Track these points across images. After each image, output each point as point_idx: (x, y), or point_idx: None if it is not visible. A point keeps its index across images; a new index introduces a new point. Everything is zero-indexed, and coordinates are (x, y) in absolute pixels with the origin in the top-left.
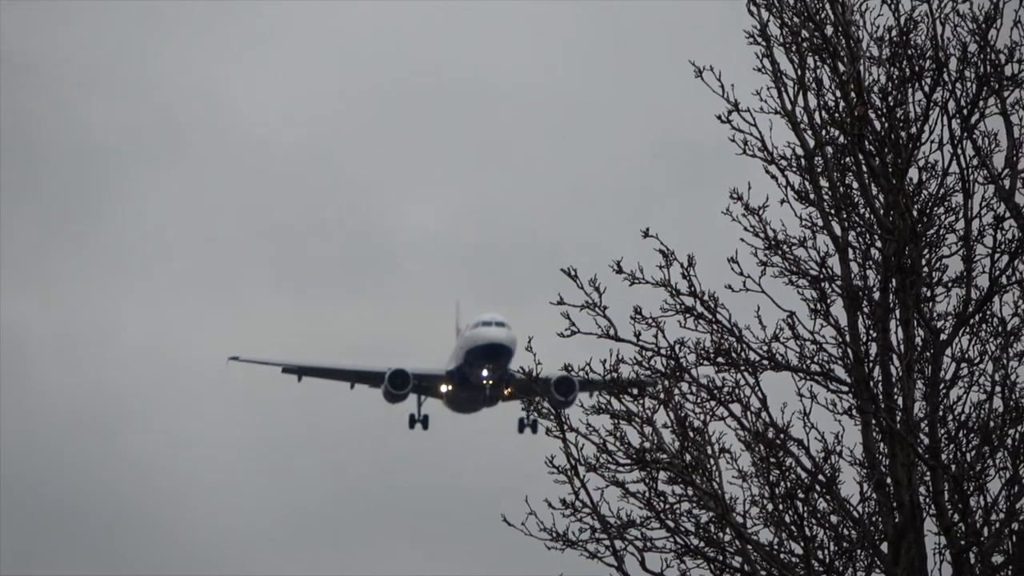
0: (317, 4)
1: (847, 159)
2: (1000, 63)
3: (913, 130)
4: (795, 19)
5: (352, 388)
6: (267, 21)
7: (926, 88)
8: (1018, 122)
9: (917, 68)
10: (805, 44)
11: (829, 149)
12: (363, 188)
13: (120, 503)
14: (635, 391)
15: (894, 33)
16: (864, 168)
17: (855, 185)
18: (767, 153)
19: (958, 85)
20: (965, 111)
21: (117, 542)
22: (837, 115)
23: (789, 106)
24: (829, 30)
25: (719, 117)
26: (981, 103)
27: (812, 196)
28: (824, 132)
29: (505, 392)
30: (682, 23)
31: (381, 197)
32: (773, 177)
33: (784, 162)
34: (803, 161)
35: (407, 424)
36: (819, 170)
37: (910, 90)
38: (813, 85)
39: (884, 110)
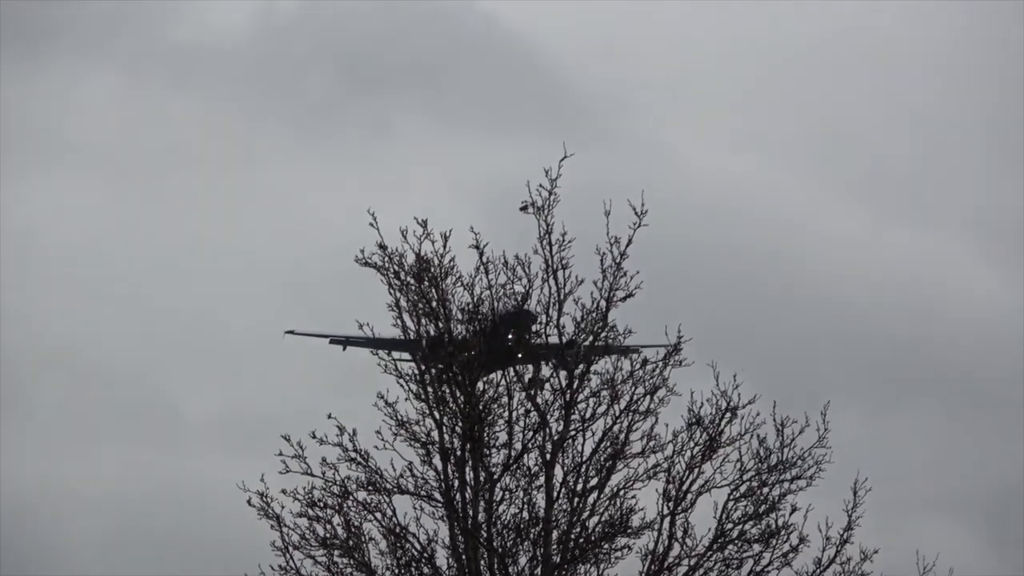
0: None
1: (444, 376)
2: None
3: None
4: (415, 296)
5: (389, 354)
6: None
7: (487, 336)
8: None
9: (482, 328)
10: (421, 310)
11: (434, 371)
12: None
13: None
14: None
15: (469, 305)
16: (453, 382)
17: (448, 391)
18: (398, 372)
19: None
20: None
21: None
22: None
23: None
24: (434, 303)
25: (373, 352)
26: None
27: (423, 397)
28: (432, 360)
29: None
30: (348, 291)
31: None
32: (401, 386)
33: (407, 377)
34: (418, 377)
35: None
36: (427, 382)
37: (482, 339)
38: (429, 335)
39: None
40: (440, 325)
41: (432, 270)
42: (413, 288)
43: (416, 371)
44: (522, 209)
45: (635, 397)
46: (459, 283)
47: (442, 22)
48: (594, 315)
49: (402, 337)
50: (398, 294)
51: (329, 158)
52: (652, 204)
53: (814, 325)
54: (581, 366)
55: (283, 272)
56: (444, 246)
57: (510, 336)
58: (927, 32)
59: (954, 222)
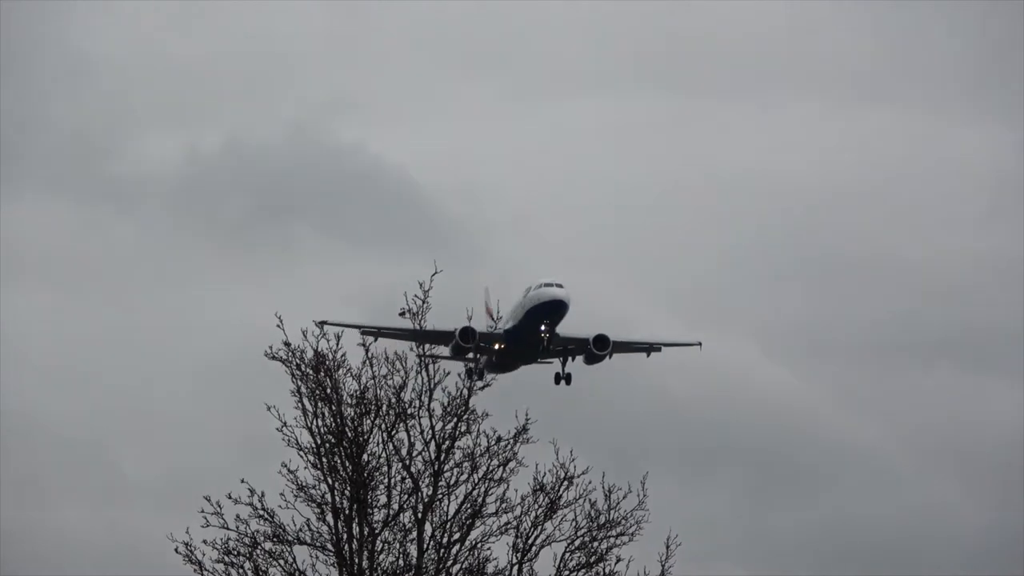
0: None
1: (336, 449)
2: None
3: (362, 440)
4: (313, 384)
5: (419, 346)
6: None
7: (372, 418)
8: (391, 442)
9: (372, 408)
10: (318, 395)
11: (327, 445)
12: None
13: None
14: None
15: (356, 392)
16: (343, 454)
17: (338, 461)
18: (297, 445)
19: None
20: (390, 432)
21: None
22: (334, 429)
23: (310, 425)
24: (329, 390)
25: (277, 428)
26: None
27: (318, 465)
28: (327, 436)
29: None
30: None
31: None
32: (301, 456)
33: (305, 450)
34: (315, 448)
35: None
36: (321, 453)
37: (366, 419)
38: (322, 416)
39: (352, 427)
40: (333, 408)
41: (327, 363)
42: (311, 377)
43: (313, 443)
44: (401, 314)
45: (490, 467)
46: (349, 374)
47: (339, 160)
48: (458, 400)
49: (436, 329)
50: (299, 382)
51: (244, 270)
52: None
53: (636, 409)
54: (447, 442)
55: (204, 362)
56: (337, 344)
57: (543, 327)
58: (727, 160)
59: (746, 326)
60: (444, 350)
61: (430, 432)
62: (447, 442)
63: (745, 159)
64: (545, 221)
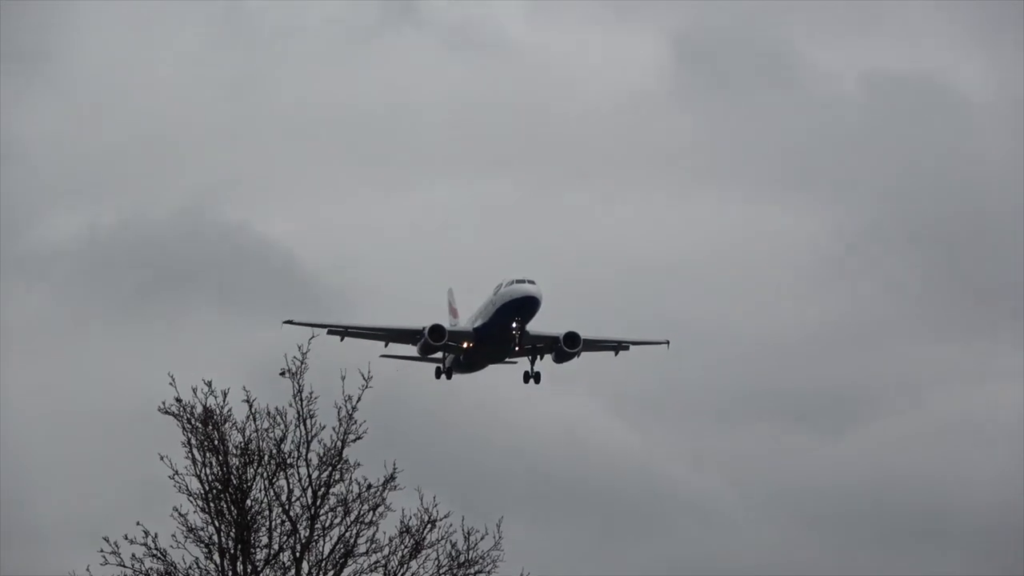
0: None
1: (222, 495)
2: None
3: (246, 487)
4: (202, 436)
5: (386, 346)
6: None
7: (254, 467)
8: (272, 489)
9: (255, 458)
10: (206, 446)
11: (214, 491)
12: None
13: None
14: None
15: (241, 443)
16: (229, 499)
17: (224, 506)
18: (188, 491)
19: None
20: (272, 479)
21: None
22: (221, 477)
23: (199, 473)
24: (216, 441)
25: (169, 476)
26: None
27: (207, 510)
28: (214, 483)
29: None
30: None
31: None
32: (191, 502)
33: (194, 495)
34: (204, 494)
35: (434, 375)
36: (209, 499)
37: (250, 468)
38: (210, 465)
39: (237, 475)
40: (220, 458)
41: (214, 417)
42: (200, 430)
43: (202, 490)
44: (281, 374)
45: (362, 512)
46: (234, 427)
47: (226, 236)
48: (332, 451)
49: (404, 327)
50: (189, 435)
51: (140, 336)
52: (376, 372)
53: (494, 461)
54: (323, 489)
55: (104, 417)
56: (223, 400)
57: (514, 325)
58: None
59: (594, 387)
60: (412, 349)
61: (307, 480)
62: (323, 489)
63: (592, 237)
64: (414, 291)
